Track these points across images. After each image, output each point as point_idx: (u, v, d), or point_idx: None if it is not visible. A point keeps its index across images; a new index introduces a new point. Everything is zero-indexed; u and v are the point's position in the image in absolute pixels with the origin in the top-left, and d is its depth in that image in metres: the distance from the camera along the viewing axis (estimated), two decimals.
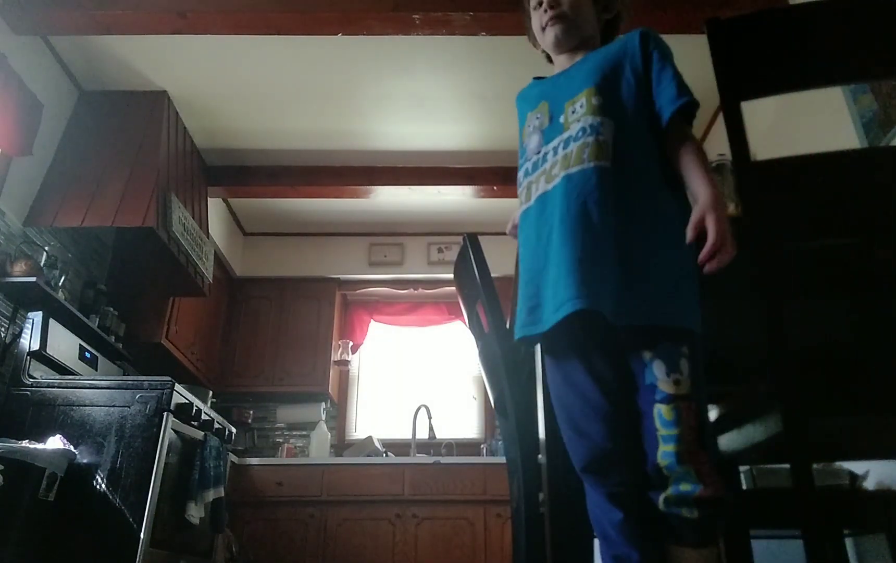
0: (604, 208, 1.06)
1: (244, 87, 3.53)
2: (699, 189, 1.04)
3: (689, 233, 1.01)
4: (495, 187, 4.15)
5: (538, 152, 1.22)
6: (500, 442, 4.25)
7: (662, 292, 1.03)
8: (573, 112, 1.18)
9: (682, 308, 1.03)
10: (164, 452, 2.68)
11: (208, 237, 3.88)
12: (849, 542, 2.13)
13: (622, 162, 1.10)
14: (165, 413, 2.72)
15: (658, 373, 1.02)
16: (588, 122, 1.14)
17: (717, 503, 0.98)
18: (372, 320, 5.00)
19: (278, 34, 2.98)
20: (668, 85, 1.14)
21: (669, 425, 1.01)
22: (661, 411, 1.01)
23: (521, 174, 1.27)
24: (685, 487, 0.98)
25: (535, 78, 1.37)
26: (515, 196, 1.30)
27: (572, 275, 1.03)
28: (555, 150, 1.18)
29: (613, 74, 1.19)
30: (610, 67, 1.20)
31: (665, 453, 1.00)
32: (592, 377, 1.07)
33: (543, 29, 1.30)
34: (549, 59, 1.39)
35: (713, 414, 1.22)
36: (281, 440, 4.58)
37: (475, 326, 1.64)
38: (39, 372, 2.84)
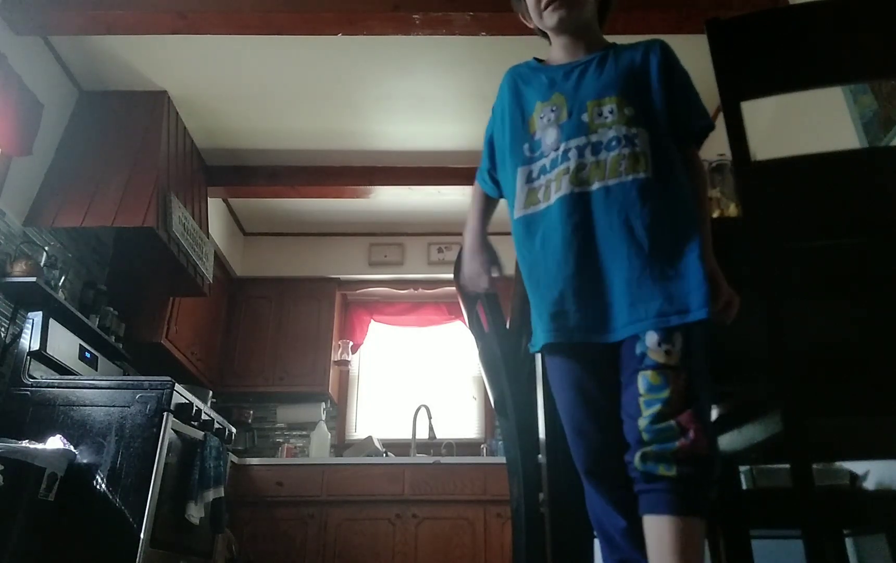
0: (646, 223, 1.05)
1: (244, 88, 3.53)
2: (710, 255, 1.06)
3: (721, 304, 1.03)
4: None
5: (556, 148, 1.15)
6: (500, 442, 4.25)
7: (693, 296, 1.01)
8: (600, 115, 1.14)
9: (704, 303, 1.00)
10: (164, 452, 2.68)
11: (208, 237, 3.88)
12: (849, 542, 2.13)
13: (659, 170, 1.09)
14: (165, 413, 2.72)
15: (649, 342, 0.99)
16: (622, 132, 1.11)
17: (701, 462, 0.93)
18: (372, 320, 5.00)
19: (278, 34, 2.97)
20: (695, 101, 1.17)
21: (655, 388, 0.97)
22: (646, 377, 0.98)
23: (532, 168, 1.18)
24: (664, 441, 0.94)
25: (536, 59, 1.30)
26: None
27: (625, 297, 1.02)
28: (580, 150, 1.12)
29: (641, 84, 1.17)
30: (636, 76, 1.17)
31: (647, 415, 0.96)
32: (595, 377, 1.06)
33: (545, 8, 1.23)
34: (545, 37, 1.32)
35: (713, 414, 1.22)
36: (281, 440, 4.58)
37: (475, 326, 1.64)
38: (39, 372, 2.84)
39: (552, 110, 1.19)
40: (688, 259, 1.02)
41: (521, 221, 1.17)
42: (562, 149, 1.14)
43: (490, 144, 1.36)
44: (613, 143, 1.11)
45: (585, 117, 1.15)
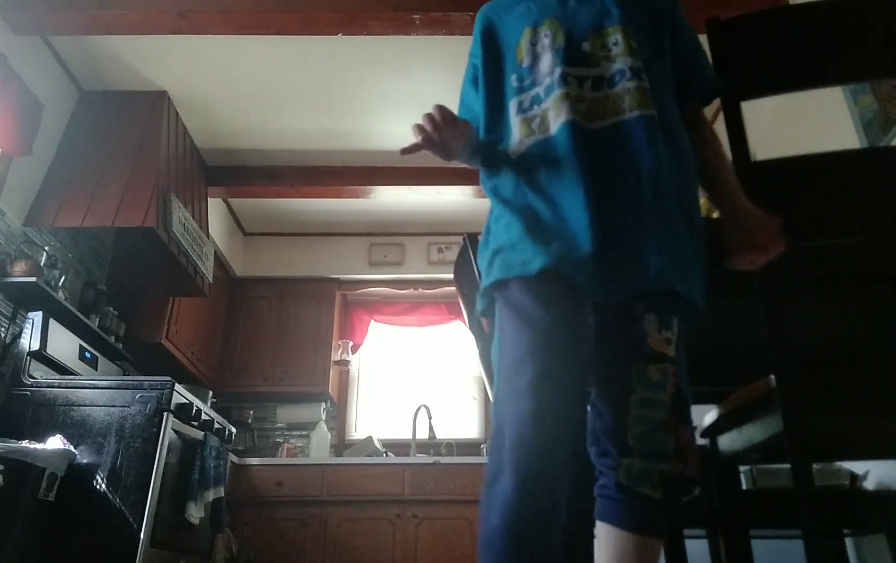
0: (653, 168, 0.93)
1: (244, 87, 3.53)
2: (741, 195, 1.00)
3: (775, 241, 0.94)
4: None
5: (551, 73, 1.01)
6: None
7: (699, 280, 0.94)
8: (604, 46, 1.02)
9: (701, 284, 0.94)
10: (164, 452, 2.68)
11: (208, 237, 3.88)
12: (849, 542, 2.13)
13: (662, 111, 0.99)
14: (165, 413, 2.72)
15: (649, 328, 0.90)
16: (628, 64, 0.99)
17: (689, 487, 0.87)
18: (372, 320, 5.00)
19: (278, 34, 2.97)
20: (706, 60, 1.08)
21: (654, 387, 0.88)
22: (645, 372, 0.89)
23: (523, 98, 1.04)
24: (657, 458, 0.85)
25: None
26: None
27: (637, 248, 0.90)
28: (579, 81, 1.00)
29: (649, 20, 1.06)
30: (641, 10, 1.06)
31: (640, 418, 0.86)
32: (578, 333, 0.93)
33: None
34: None
35: (713, 414, 1.22)
36: (281, 440, 4.58)
37: (475, 326, 1.64)
38: (39, 372, 2.84)
39: (545, 36, 1.06)
40: (699, 234, 0.97)
41: (517, 159, 1.02)
42: (558, 73, 1.01)
43: (463, 102, 1.20)
44: (618, 76, 1.00)
45: (587, 47, 1.03)
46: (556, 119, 0.98)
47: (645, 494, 0.85)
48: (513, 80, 1.07)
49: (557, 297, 0.89)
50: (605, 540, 0.88)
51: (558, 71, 1.01)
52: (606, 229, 0.89)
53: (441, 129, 0.99)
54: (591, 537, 0.94)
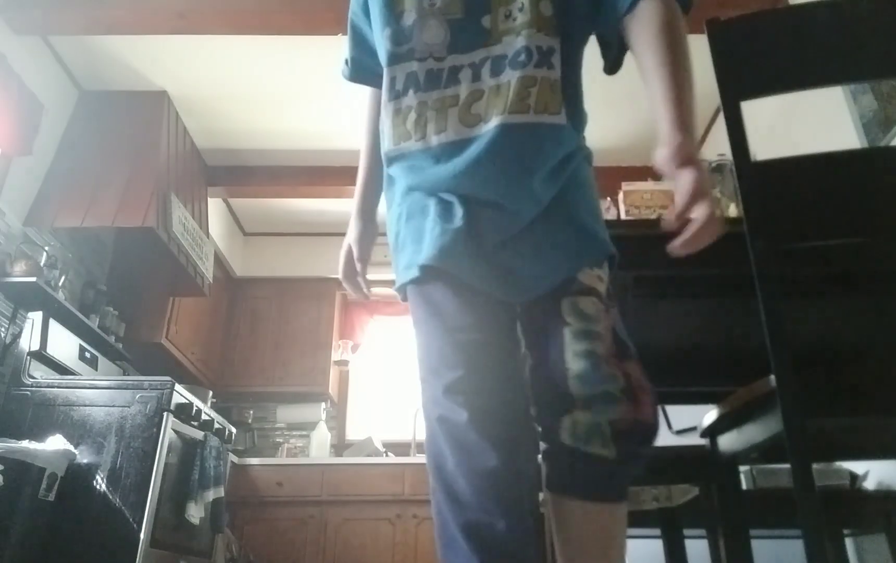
0: (554, 184, 0.82)
1: (244, 88, 3.53)
2: (677, 124, 0.76)
3: (682, 200, 0.72)
4: None
5: (440, 58, 0.83)
6: None
7: (592, 238, 0.85)
8: (508, 16, 0.83)
9: (605, 239, 0.86)
10: (164, 452, 2.68)
11: (208, 237, 3.88)
12: (849, 542, 2.14)
13: (570, 110, 0.84)
14: (165, 413, 2.72)
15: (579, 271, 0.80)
16: (534, 42, 0.81)
17: (645, 434, 0.73)
18: (372, 320, 5.00)
19: (278, 34, 2.98)
20: None
21: (588, 319, 0.76)
22: (577, 304, 0.77)
23: (396, 73, 0.86)
24: (603, 400, 0.72)
25: None
26: None
27: (532, 255, 0.82)
28: (475, 70, 0.82)
29: None
30: None
31: (579, 354, 0.73)
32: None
33: None
34: None
35: (713, 414, 1.22)
36: (281, 440, 4.58)
37: None
38: (39, 372, 2.84)
39: None
40: (587, 221, 0.85)
41: (393, 159, 0.89)
42: (448, 64, 0.83)
43: (352, 26, 1.04)
44: (522, 56, 0.81)
45: (487, 21, 0.83)
46: (437, 132, 0.83)
47: (595, 454, 0.72)
48: (387, 38, 0.87)
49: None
50: (558, 514, 0.76)
51: (449, 61, 0.83)
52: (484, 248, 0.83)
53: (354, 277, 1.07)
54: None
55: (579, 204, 0.86)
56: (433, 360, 0.82)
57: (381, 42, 0.89)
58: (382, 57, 0.90)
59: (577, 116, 0.88)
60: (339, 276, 1.12)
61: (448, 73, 0.83)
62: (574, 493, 0.75)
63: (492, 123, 0.81)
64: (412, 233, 0.88)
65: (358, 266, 1.09)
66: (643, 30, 0.83)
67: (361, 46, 1.04)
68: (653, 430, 0.75)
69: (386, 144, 0.90)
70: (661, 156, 0.75)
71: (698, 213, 0.71)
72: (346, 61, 1.09)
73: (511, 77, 0.81)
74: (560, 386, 0.74)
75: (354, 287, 1.11)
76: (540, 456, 0.81)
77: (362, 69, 1.07)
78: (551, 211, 0.84)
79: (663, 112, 0.77)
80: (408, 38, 0.85)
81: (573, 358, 0.74)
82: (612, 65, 0.93)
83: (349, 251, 1.12)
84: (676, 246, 0.74)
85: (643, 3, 0.83)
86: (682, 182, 0.72)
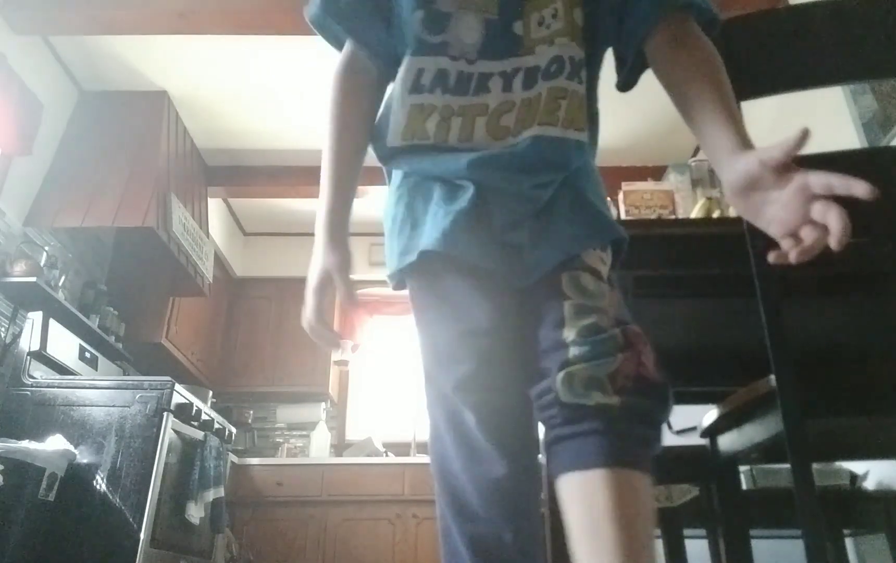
0: (575, 204, 0.80)
1: (244, 87, 3.53)
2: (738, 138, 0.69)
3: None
4: None
5: (471, 60, 0.78)
6: None
7: (599, 220, 0.82)
8: (541, 22, 0.77)
9: (613, 222, 0.84)
10: (164, 452, 2.68)
11: (208, 237, 3.88)
12: (849, 542, 2.14)
13: (591, 122, 0.84)
14: (165, 413, 2.72)
15: (577, 247, 0.76)
16: (567, 52, 0.78)
17: (650, 389, 0.65)
18: (372, 320, 5.01)
19: (278, 34, 2.98)
20: None
21: (590, 295, 0.71)
22: (578, 279, 0.72)
23: (424, 65, 0.79)
24: (600, 355, 0.65)
25: None
26: None
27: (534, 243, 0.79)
28: (505, 79, 0.78)
29: None
30: None
31: (581, 328, 0.67)
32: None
33: None
34: None
35: (713, 414, 1.22)
36: (281, 440, 4.58)
37: None
38: (39, 372, 2.84)
39: None
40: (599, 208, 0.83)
41: (398, 152, 0.84)
42: (478, 69, 0.78)
43: None
44: (554, 66, 0.78)
45: (519, 27, 0.78)
46: (462, 139, 0.79)
47: (598, 404, 0.63)
48: (417, 21, 0.78)
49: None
50: (570, 497, 0.65)
51: (479, 66, 0.78)
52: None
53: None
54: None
55: (587, 188, 0.84)
56: (439, 352, 0.77)
57: (408, 23, 0.79)
58: (408, 41, 0.80)
59: (594, 135, 0.87)
60: (306, 325, 0.85)
61: (478, 80, 0.78)
62: (583, 462, 0.64)
63: (521, 136, 0.78)
64: (412, 216, 0.83)
65: (346, 304, 0.87)
66: (678, 51, 0.79)
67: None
68: (663, 388, 0.66)
69: (392, 138, 0.83)
70: (750, 170, 0.66)
71: (834, 214, 0.61)
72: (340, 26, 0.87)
73: (542, 88, 0.78)
74: (559, 355, 0.68)
75: (329, 339, 0.86)
76: (544, 445, 0.73)
77: (354, 19, 0.85)
78: (559, 193, 0.81)
79: (728, 132, 0.71)
80: (442, 29, 0.77)
81: (572, 329, 0.68)
82: (626, 82, 0.88)
83: (323, 288, 0.84)
84: (795, 255, 0.63)
85: (672, 22, 0.79)
86: (800, 184, 0.63)
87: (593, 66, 0.86)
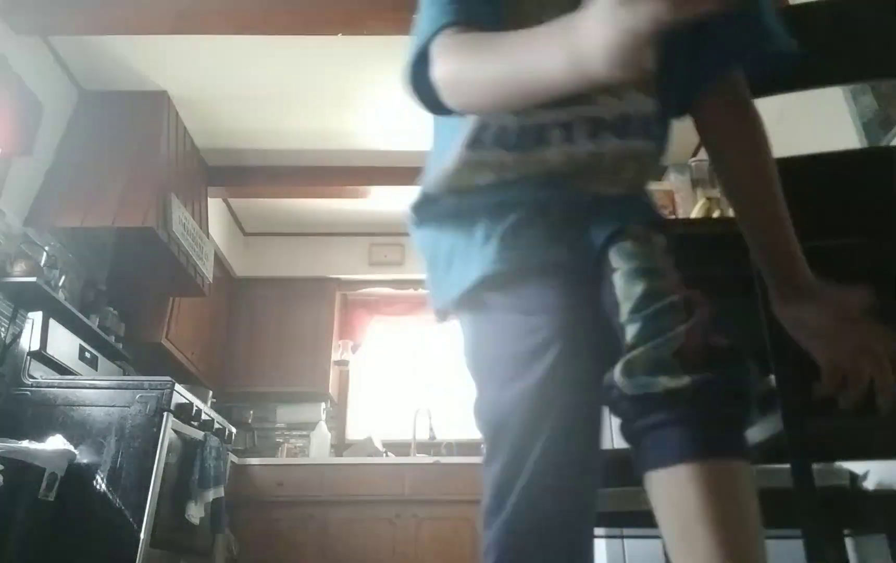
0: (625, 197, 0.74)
1: (244, 88, 3.53)
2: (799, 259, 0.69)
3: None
4: None
5: (530, 112, 0.68)
6: None
7: (646, 203, 0.79)
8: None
9: (658, 209, 0.81)
10: (164, 452, 2.68)
11: (208, 237, 3.88)
12: (849, 542, 2.13)
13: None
14: (165, 413, 2.72)
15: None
16: (634, 107, 0.70)
17: (725, 359, 0.56)
18: (372, 320, 5.01)
19: (278, 34, 2.98)
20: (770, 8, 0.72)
21: (640, 257, 0.63)
22: (625, 247, 0.64)
23: (489, 126, 0.71)
24: (660, 329, 0.56)
25: None
26: None
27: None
28: (593, 127, 0.69)
29: None
30: None
31: (638, 298, 0.59)
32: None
33: None
34: None
35: None
36: (281, 440, 4.58)
37: None
38: (39, 372, 2.84)
39: None
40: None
41: (431, 189, 0.77)
42: (535, 120, 0.68)
43: None
44: (636, 126, 0.71)
45: None
46: (564, 148, 0.70)
47: (666, 390, 0.54)
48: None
49: None
50: (656, 501, 0.57)
51: (558, 113, 0.68)
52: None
53: None
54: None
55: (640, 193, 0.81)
56: (505, 369, 0.70)
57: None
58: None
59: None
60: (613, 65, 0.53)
61: (536, 132, 0.68)
62: (654, 463, 0.55)
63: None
64: (460, 242, 0.75)
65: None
66: (741, 124, 0.76)
67: None
68: (734, 354, 0.57)
69: (435, 183, 0.77)
70: (809, 323, 0.68)
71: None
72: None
73: (605, 148, 0.69)
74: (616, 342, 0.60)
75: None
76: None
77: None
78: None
79: (794, 266, 0.72)
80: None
81: (626, 305, 0.59)
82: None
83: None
84: (843, 403, 0.67)
85: (733, 79, 0.74)
86: (855, 339, 0.65)
87: (667, 118, 0.79)
